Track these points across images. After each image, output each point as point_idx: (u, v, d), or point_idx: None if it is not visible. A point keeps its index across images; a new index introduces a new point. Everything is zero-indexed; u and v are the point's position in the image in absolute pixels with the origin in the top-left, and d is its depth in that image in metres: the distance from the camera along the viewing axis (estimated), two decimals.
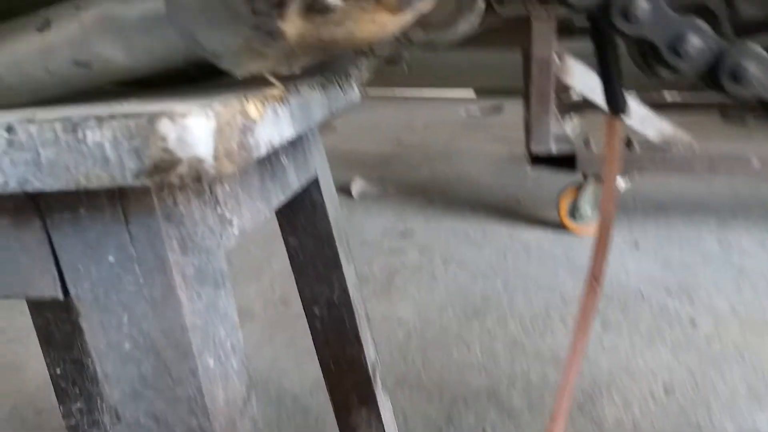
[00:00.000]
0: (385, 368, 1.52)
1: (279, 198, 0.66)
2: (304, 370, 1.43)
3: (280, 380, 1.40)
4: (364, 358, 0.90)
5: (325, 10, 0.34)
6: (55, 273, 0.44)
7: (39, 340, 0.99)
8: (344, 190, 2.79)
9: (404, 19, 0.36)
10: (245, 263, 2.02)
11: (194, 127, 0.36)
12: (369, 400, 0.92)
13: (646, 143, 2.26)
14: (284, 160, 0.68)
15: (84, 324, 0.46)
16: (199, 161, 0.36)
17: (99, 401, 0.94)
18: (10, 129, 0.36)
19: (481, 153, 3.56)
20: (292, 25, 0.35)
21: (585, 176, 2.26)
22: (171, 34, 0.40)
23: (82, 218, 0.43)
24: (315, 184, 0.81)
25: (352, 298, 0.87)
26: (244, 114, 0.42)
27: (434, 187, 2.94)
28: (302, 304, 0.87)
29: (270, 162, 0.64)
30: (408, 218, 2.53)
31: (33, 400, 1.36)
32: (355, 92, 0.82)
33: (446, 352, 1.51)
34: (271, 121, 0.47)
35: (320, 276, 0.86)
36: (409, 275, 1.99)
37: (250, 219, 0.56)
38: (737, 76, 0.41)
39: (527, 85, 2.38)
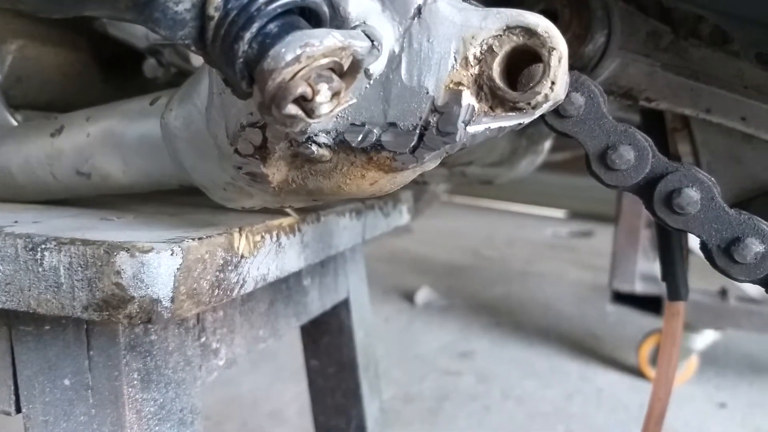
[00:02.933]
0: None
1: (291, 324, 0.61)
2: None
3: None
4: None
5: (312, 158, 0.31)
6: (12, 386, 0.41)
7: None
8: (408, 296, 2.72)
9: (400, 178, 0.32)
10: (288, 361, 1.97)
11: (153, 264, 0.33)
12: None
13: (744, 297, 2.05)
14: (306, 281, 0.64)
15: None
16: (152, 302, 0.33)
17: None
18: None
19: (563, 278, 3.39)
20: (276, 169, 0.32)
21: None
22: (163, 159, 0.38)
23: (45, 334, 0.40)
24: (345, 306, 0.76)
25: None
26: (229, 249, 0.38)
27: (505, 308, 2.80)
28: None
29: (287, 284, 0.60)
30: (471, 338, 2.40)
31: None
32: (402, 216, 0.78)
33: None
34: (268, 255, 0.43)
35: (338, 407, 0.78)
36: (461, 403, 1.85)
37: (244, 348, 0.52)
38: None
39: (618, 216, 2.27)
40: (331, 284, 0.70)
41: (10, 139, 0.49)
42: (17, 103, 0.62)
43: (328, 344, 0.78)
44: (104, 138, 0.39)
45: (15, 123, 0.58)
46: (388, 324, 2.39)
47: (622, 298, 2.24)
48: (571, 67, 0.32)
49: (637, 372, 2.23)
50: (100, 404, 0.39)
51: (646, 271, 2.25)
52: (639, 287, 2.15)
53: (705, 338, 2.10)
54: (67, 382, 0.40)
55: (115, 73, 0.70)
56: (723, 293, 2.14)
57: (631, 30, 0.42)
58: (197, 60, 0.54)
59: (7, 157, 0.47)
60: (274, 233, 0.44)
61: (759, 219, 0.33)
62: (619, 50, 0.42)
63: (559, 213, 4.70)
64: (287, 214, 0.47)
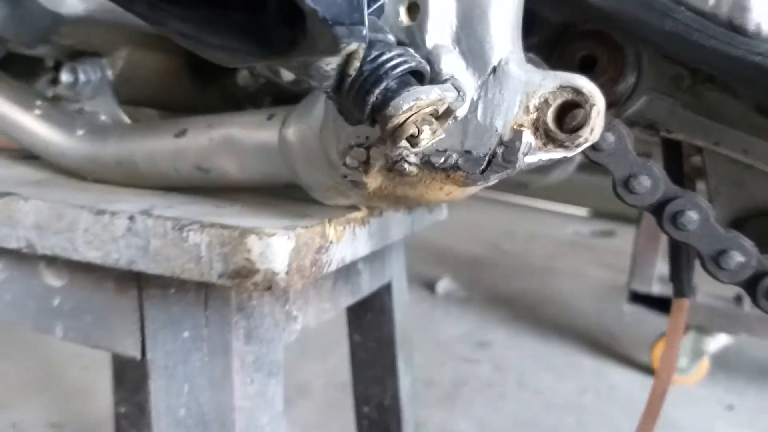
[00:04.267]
0: None
1: (348, 300, 0.71)
2: None
3: None
4: None
5: (403, 172, 0.40)
6: (139, 336, 0.52)
7: (113, 376, 1.09)
8: (429, 286, 2.80)
9: (469, 190, 0.41)
10: (315, 341, 2.07)
11: (275, 245, 0.43)
12: None
13: None
14: (360, 265, 0.74)
15: (152, 384, 0.52)
16: (274, 274, 0.43)
17: None
18: (131, 218, 0.45)
19: (583, 276, 3.43)
20: (374, 179, 0.42)
21: (685, 325, 2.13)
22: (278, 164, 0.47)
23: (170, 295, 0.50)
24: (387, 289, 0.86)
25: (402, 407, 0.89)
26: (323, 236, 0.48)
27: (523, 302, 2.87)
28: (354, 401, 0.90)
29: (346, 266, 0.70)
30: (489, 329, 2.48)
31: (92, 430, 1.43)
32: (442, 212, 0.87)
33: None
34: (347, 242, 0.53)
35: (376, 378, 0.89)
36: (478, 390, 1.95)
37: (314, 317, 0.62)
38: None
39: (640, 219, 2.32)
40: (378, 269, 0.80)
41: (131, 135, 0.59)
42: (124, 100, 0.73)
43: (370, 321, 0.88)
44: (225, 143, 0.49)
45: (126, 118, 0.68)
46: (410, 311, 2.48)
47: (639, 299, 2.30)
48: (607, 106, 0.41)
49: (650, 371, 2.28)
50: (213, 353, 0.50)
51: (664, 273, 2.30)
52: (656, 288, 2.21)
53: (717, 341, 2.15)
54: (186, 334, 0.50)
55: (200, 75, 0.80)
56: (738, 299, 2.18)
57: (657, 73, 0.51)
58: (286, 74, 0.63)
59: (131, 150, 0.57)
60: (351, 224, 0.54)
61: (742, 237, 0.43)
62: (646, 89, 0.51)
63: (581, 211, 4.73)
64: (359, 209, 0.57)
